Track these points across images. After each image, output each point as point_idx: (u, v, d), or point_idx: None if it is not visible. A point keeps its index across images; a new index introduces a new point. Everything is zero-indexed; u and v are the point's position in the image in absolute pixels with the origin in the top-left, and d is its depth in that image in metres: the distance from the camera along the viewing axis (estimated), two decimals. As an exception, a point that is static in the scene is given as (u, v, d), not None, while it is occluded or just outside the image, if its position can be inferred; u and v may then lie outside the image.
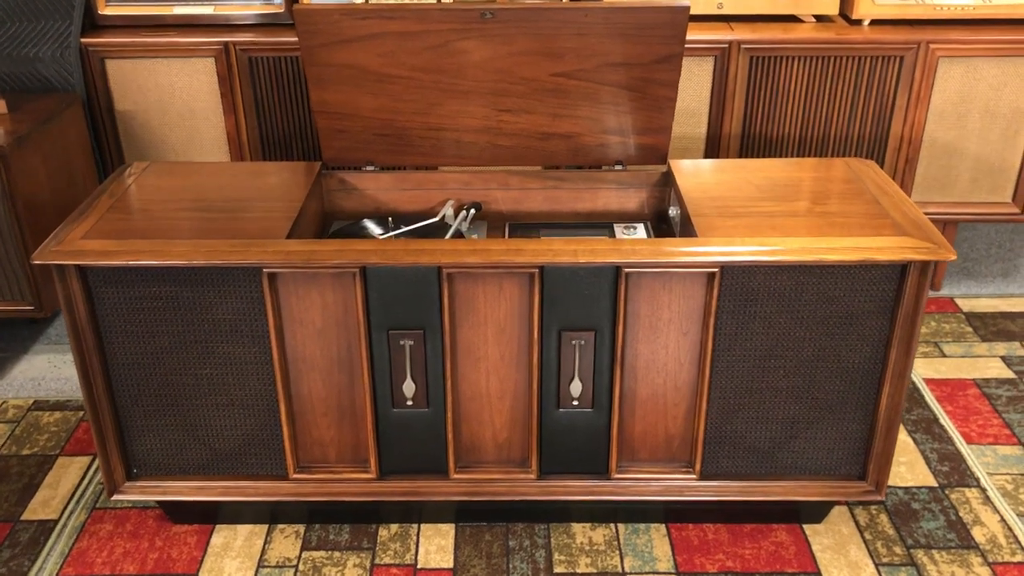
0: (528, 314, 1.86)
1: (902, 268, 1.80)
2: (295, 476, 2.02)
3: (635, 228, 2.17)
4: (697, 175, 2.12)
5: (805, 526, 2.12)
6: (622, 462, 2.02)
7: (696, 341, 1.89)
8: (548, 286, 1.83)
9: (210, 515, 2.13)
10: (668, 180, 2.21)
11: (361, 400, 1.94)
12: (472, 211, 2.17)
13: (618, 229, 2.18)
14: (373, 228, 2.16)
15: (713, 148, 2.73)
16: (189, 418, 1.96)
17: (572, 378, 1.92)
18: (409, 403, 1.94)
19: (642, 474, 2.02)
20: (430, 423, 1.97)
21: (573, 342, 1.88)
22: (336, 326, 1.87)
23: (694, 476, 2.02)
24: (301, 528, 2.12)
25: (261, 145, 2.79)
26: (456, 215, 2.18)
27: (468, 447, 2.01)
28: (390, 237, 2.10)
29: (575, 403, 1.95)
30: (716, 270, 1.79)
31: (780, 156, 2.75)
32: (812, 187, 2.05)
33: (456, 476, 2.02)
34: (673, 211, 2.13)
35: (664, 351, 1.90)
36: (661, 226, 2.25)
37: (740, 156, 2.74)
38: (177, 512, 2.13)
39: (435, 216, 2.18)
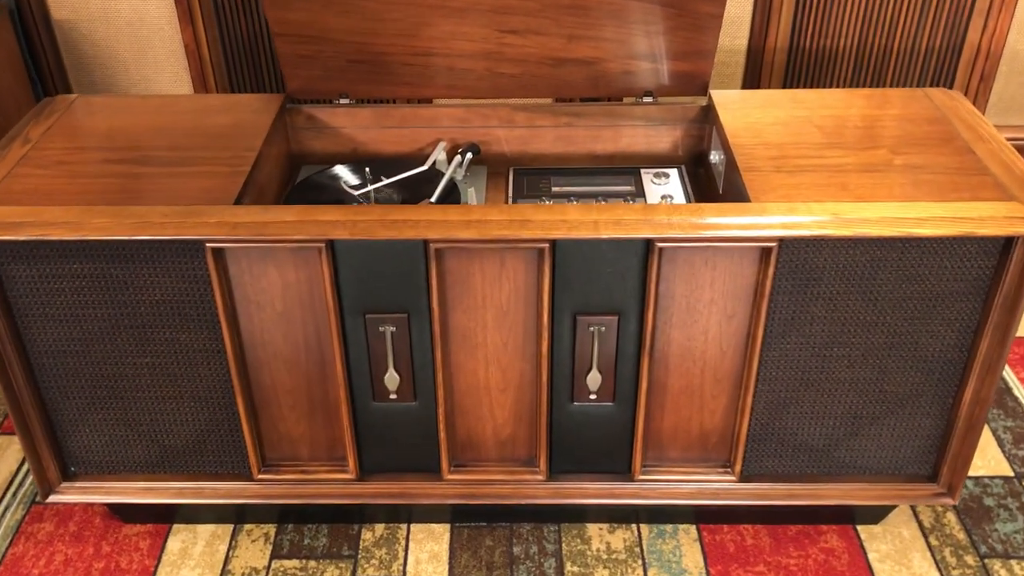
0: (536, 295, 1.50)
1: (1005, 242, 1.43)
2: (261, 476, 1.70)
3: (667, 175, 1.79)
4: (745, 111, 1.72)
5: (860, 527, 1.81)
6: (648, 461, 1.70)
7: (743, 326, 1.54)
8: (561, 262, 1.47)
9: (166, 514, 1.83)
10: (708, 116, 1.81)
11: (335, 393, 1.61)
12: (469, 155, 1.79)
13: (646, 176, 1.80)
14: (347, 178, 1.78)
15: (755, 65, 2.31)
16: (131, 412, 1.64)
17: (589, 369, 1.58)
18: (393, 396, 1.62)
19: (671, 475, 1.70)
20: (418, 418, 1.65)
21: (591, 328, 1.54)
22: (300, 308, 1.52)
23: (732, 477, 1.70)
24: (271, 529, 1.82)
25: (224, 60, 2.39)
26: (449, 160, 1.80)
27: (464, 444, 1.69)
28: (368, 193, 1.72)
29: (592, 397, 1.62)
30: (774, 245, 1.42)
31: (833, 74, 2.33)
32: (889, 129, 1.66)
33: (450, 477, 1.71)
34: (715, 157, 1.74)
35: (703, 337, 1.55)
36: (698, 170, 1.87)
37: (787, 73, 2.32)
38: (127, 511, 1.83)
39: (423, 161, 1.80)
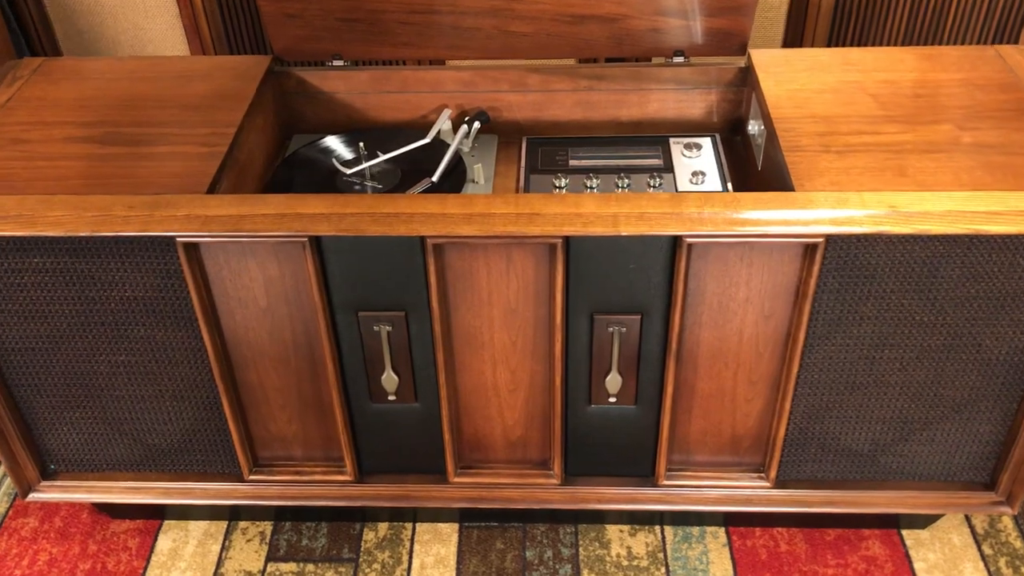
0: (548, 293, 1.34)
1: (1091, 236, 1.23)
2: (252, 477, 1.57)
3: (698, 146, 1.59)
4: (789, 74, 1.52)
5: (905, 533, 1.66)
6: (673, 465, 1.55)
7: (782, 326, 1.36)
8: (576, 258, 1.30)
9: (156, 510, 1.72)
10: (747, 79, 1.61)
11: (328, 394, 1.47)
12: (477, 124, 1.61)
13: (676, 146, 1.60)
14: (340, 152, 1.60)
15: (797, 18, 2.07)
16: (110, 410, 1.51)
17: (608, 371, 1.42)
18: (392, 398, 1.47)
19: (699, 480, 1.55)
20: (421, 419, 1.50)
21: (611, 328, 1.37)
22: (286, 304, 1.37)
23: (767, 483, 1.54)
24: (267, 528, 1.70)
25: (219, 4, 2.19)
26: (455, 129, 1.62)
27: (472, 445, 1.55)
28: (363, 171, 1.54)
29: (612, 400, 1.46)
30: (820, 241, 1.24)
31: (885, 22, 2.09)
32: (955, 98, 1.44)
33: (457, 480, 1.57)
34: (754, 127, 1.54)
35: (736, 338, 1.38)
36: (735, 138, 1.67)
37: (833, 22, 2.08)
38: (116, 507, 1.72)
39: (426, 130, 1.61)
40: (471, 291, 1.34)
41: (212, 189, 1.33)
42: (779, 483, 1.54)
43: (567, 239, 1.26)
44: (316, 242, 1.28)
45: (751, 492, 1.55)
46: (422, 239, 1.27)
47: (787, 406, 1.43)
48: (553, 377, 1.42)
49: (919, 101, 1.43)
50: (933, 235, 1.22)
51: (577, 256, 1.30)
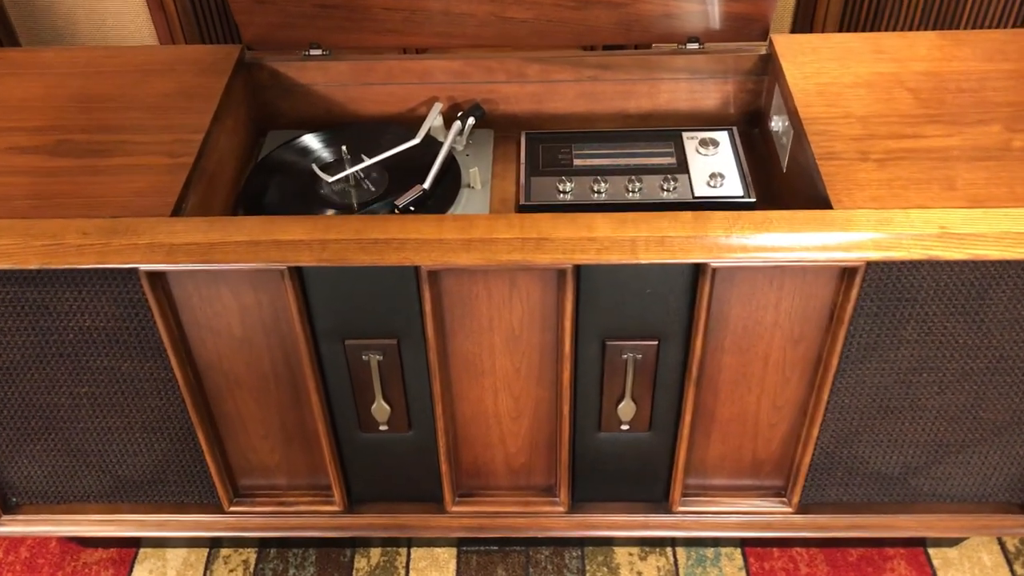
0: (556, 318, 1.21)
1: None
2: (233, 509, 1.45)
3: (715, 142, 1.45)
4: (816, 64, 1.37)
5: (932, 551, 1.56)
6: (688, 490, 1.44)
7: (812, 350, 1.24)
8: (587, 282, 1.17)
9: (131, 538, 1.60)
10: (769, 67, 1.46)
11: (312, 425, 1.34)
12: (471, 120, 1.46)
13: (689, 142, 1.46)
14: (320, 154, 1.45)
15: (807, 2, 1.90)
16: (74, 442, 1.37)
17: (622, 399, 1.30)
18: (383, 428, 1.34)
19: (715, 505, 1.44)
20: (415, 447, 1.38)
21: (625, 355, 1.24)
22: (264, 334, 1.23)
23: (788, 508, 1.43)
24: (251, 556, 1.58)
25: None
26: (447, 125, 1.47)
27: (471, 472, 1.43)
28: (346, 177, 1.39)
29: (625, 427, 1.34)
30: (860, 265, 1.11)
31: (900, 4, 1.93)
32: (1003, 92, 1.30)
33: (455, 509, 1.45)
34: (778, 124, 1.40)
35: (762, 362, 1.26)
36: (753, 131, 1.53)
37: (846, 4, 1.91)
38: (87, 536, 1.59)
39: (414, 126, 1.46)
40: (470, 317, 1.21)
41: (178, 208, 1.19)
42: (801, 507, 1.44)
43: (578, 267, 1.13)
44: (296, 269, 1.14)
45: (771, 518, 1.44)
46: (416, 270, 1.13)
47: (815, 432, 1.32)
48: (560, 406, 1.30)
49: (963, 97, 1.29)
50: (981, 260, 1.10)
51: (588, 280, 1.16)
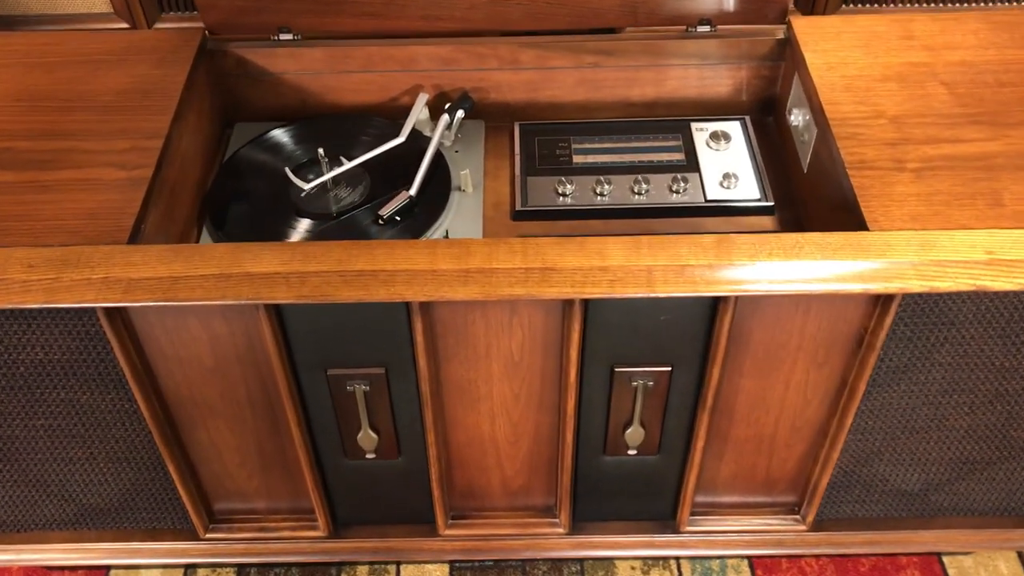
0: (560, 345, 1.10)
1: None
2: (209, 536, 1.35)
3: (727, 136, 1.33)
4: (840, 53, 1.24)
5: (947, 560, 1.49)
6: (697, 508, 1.35)
7: (836, 374, 1.14)
8: (595, 310, 1.06)
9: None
10: (786, 52, 1.33)
11: (293, 452, 1.23)
12: (460, 113, 1.32)
13: (699, 134, 1.34)
14: (293, 152, 1.31)
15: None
16: (32, 473, 1.26)
17: (630, 424, 1.20)
18: (370, 456, 1.24)
19: (724, 525, 1.36)
20: (405, 472, 1.28)
21: (634, 383, 1.14)
22: (238, 363, 1.12)
23: (802, 526, 1.35)
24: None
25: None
26: (433, 117, 1.33)
27: (465, 493, 1.33)
28: (324, 183, 1.26)
29: (632, 452, 1.24)
30: (896, 293, 1.01)
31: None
32: (1045, 86, 1.19)
33: (448, 532, 1.36)
34: (798, 118, 1.28)
35: (783, 386, 1.16)
36: (766, 120, 1.41)
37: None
38: (51, 557, 1.49)
39: (395, 117, 1.33)
40: (465, 345, 1.10)
41: (136, 230, 1.05)
42: (816, 526, 1.36)
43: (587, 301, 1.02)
44: (273, 307, 1.02)
45: (783, 535, 1.37)
46: (406, 305, 1.01)
47: (835, 455, 1.23)
48: (564, 433, 1.20)
49: (1004, 92, 1.18)
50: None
51: (597, 306, 1.05)
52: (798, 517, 1.35)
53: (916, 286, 0.98)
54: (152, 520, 1.34)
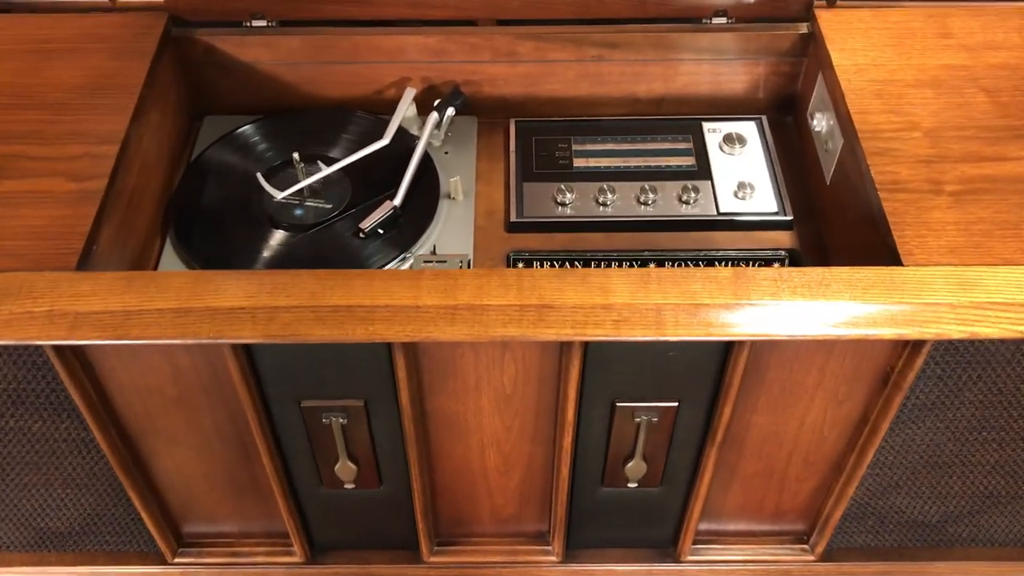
0: (556, 380, 1.00)
1: None
2: (178, 560, 1.26)
3: (742, 139, 1.21)
4: (870, 52, 1.13)
5: (959, 584, 1.42)
6: (700, 536, 1.27)
7: (857, 411, 1.05)
8: (596, 348, 0.96)
9: (64, 575, 1.41)
10: (810, 48, 1.21)
11: (265, 481, 1.14)
12: (450, 111, 1.20)
13: (711, 136, 1.23)
14: (264, 153, 1.20)
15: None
16: (-16, 498, 1.17)
17: (631, 459, 1.10)
18: (349, 486, 1.14)
19: (729, 554, 1.27)
20: (387, 500, 1.19)
21: (637, 419, 1.04)
22: (203, 394, 1.02)
23: (811, 557, 1.27)
24: (203, 596, 1.40)
25: None
26: (420, 113, 1.22)
27: (452, 521, 1.24)
28: (300, 190, 1.14)
29: (632, 485, 1.15)
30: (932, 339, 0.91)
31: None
32: (1095, 95, 1.08)
33: (433, 560, 1.27)
34: (821, 123, 1.16)
35: (798, 423, 1.07)
36: (784, 120, 1.29)
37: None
38: (12, 574, 1.40)
39: (380, 113, 1.21)
40: (453, 378, 1.00)
41: (87, 251, 0.94)
42: (826, 557, 1.28)
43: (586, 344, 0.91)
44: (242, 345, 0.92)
45: (791, 566, 1.29)
46: (389, 346, 0.91)
47: (850, 490, 1.14)
48: (559, 467, 1.10)
49: (1049, 101, 1.07)
50: (1085, 332, 0.90)
51: (597, 349, 0.95)
52: (806, 547, 1.27)
53: (954, 331, 0.88)
54: (116, 543, 1.25)
